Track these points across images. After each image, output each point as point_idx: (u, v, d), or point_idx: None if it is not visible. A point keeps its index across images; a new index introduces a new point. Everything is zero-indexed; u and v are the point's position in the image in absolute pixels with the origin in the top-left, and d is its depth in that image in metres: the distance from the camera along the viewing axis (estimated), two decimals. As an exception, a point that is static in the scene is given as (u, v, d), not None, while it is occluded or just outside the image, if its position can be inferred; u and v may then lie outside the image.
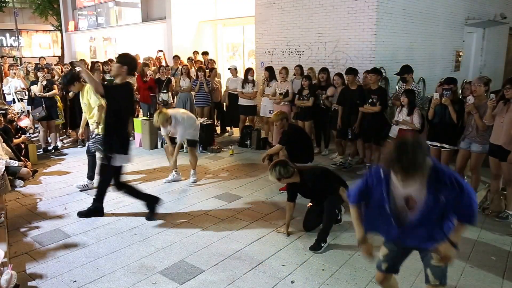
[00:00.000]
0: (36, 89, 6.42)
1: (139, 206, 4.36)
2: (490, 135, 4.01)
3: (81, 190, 4.84)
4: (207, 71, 8.06)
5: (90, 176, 4.93)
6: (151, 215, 4.04)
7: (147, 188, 4.94)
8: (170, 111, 5.03)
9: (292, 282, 2.94)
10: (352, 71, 5.62)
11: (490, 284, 2.91)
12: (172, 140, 5.15)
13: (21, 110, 6.73)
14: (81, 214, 4.07)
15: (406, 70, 5.20)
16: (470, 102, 4.09)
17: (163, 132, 5.25)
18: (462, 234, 2.03)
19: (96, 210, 4.09)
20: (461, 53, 10.15)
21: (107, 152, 3.76)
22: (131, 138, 7.56)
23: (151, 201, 4.07)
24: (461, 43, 10.07)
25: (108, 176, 3.91)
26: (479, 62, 11.43)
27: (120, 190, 3.96)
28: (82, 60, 9.34)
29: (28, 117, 6.55)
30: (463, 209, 1.93)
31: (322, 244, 3.42)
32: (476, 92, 4.11)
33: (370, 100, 5.26)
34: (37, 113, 6.41)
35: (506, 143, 3.79)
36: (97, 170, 4.18)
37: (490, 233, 3.70)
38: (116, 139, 3.73)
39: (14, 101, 6.85)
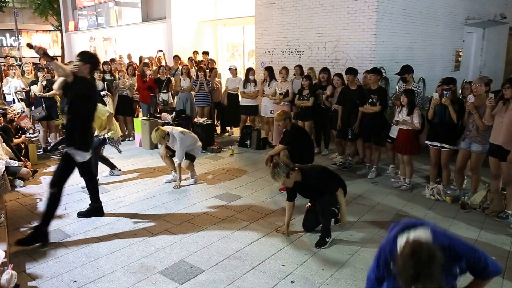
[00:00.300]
0: (36, 89, 6.42)
1: (139, 206, 4.37)
2: (490, 135, 4.01)
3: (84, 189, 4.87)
4: (207, 71, 8.06)
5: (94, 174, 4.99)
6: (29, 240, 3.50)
7: (147, 188, 4.95)
8: (168, 128, 4.99)
9: (292, 282, 2.94)
10: (351, 71, 5.62)
11: (490, 284, 2.87)
12: (173, 151, 5.13)
13: (21, 110, 6.73)
14: (81, 215, 4.07)
15: (406, 70, 5.19)
16: (470, 101, 4.09)
17: (161, 150, 5.27)
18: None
19: (95, 210, 4.08)
20: (461, 53, 10.15)
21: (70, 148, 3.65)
22: (130, 138, 7.63)
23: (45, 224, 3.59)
24: (461, 43, 10.07)
25: (89, 173, 3.91)
26: (479, 62, 11.43)
27: (52, 188, 3.63)
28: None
29: (29, 118, 6.54)
30: (482, 271, 1.87)
31: (327, 239, 3.48)
32: (476, 91, 4.10)
33: (370, 100, 5.26)
34: (37, 113, 6.41)
35: (505, 142, 3.79)
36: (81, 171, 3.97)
37: (490, 233, 3.70)
38: (79, 136, 3.62)
39: (14, 101, 6.85)
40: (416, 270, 1.57)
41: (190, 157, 5.10)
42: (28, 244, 3.42)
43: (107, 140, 5.17)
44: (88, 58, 3.63)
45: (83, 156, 3.67)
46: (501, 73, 12.63)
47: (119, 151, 5.53)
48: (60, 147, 4.86)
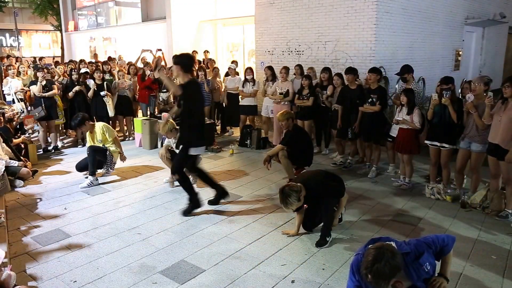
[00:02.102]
0: (35, 89, 6.42)
1: (139, 206, 4.37)
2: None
3: (89, 186, 4.93)
4: (208, 70, 8.06)
5: (92, 172, 5.02)
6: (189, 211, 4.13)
7: (147, 188, 4.95)
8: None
9: (293, 281, 2.93)
10: (351, 71, 5.62)
11: (490, 283, 2.91)
12: (172, 154, 5.12)
13: (21, 110, 6.72)
14: (185, 213, 4.10)
15: (406, 70, 5.19)
16: (469, 100, 4.10)
17: (165, 141, 5.28)
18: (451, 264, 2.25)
19: (194, 204, 4.14)
20: (460, 53, 10.15)
21: (185, 145, 4.02)
22: (130, 138, 7.62)
23: (195, 199, 4.16)
24: (461, 42, 10.08)
25: (181, 169, 4.13)
26: (479, 61, 11.44)
27: (194, 172, 4.33)
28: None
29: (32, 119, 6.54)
30: (441, 249, 2.19)
31: (328, 239, 3.48)
32: (475, 91, 4.11)
33: (370, 99, 5.25)
34: (37, 113, 6.40)
35: (503, 141, 3.79)
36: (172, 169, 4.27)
37: (490, 232, 3.70)
38: (191, 132, 3.99)
39: (13, 101, 6.85)
40: (370, 265, 1.87)
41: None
42: (187, 213, 4.07)
43: (107, 153, 5.21)
44: (177, 59, 3.90)
45: (197, 151, 4.10)
46: (501, 72, 12.65)
47: (108, 171, 5.32)
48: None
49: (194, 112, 3.97)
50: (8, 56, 11.13)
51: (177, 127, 4.97)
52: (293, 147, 4.74)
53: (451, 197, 4.44)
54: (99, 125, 5.32)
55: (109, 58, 9.50)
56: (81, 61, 9.50)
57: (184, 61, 3.87)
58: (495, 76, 11.76)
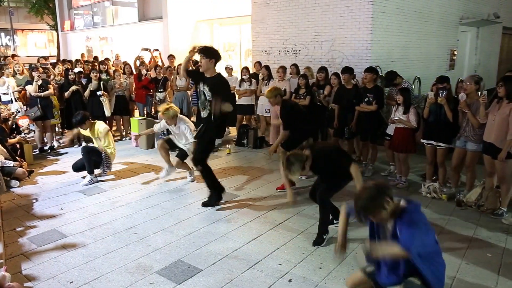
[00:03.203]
0: (31, 89, 6.38)
1: (136, 206, 4.36)
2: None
3: (90, 183, 4.97)
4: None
5: (90, 171, 5.04)
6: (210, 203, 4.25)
7: (144, 187, 4.94)
8: (180, 115, 5.12)
9: (290, 281, 2.94)
10: (347, 70, 5.64)
11: (485, 281, 2.94)
12: (170, 145, 5.12)
13: (17, 110, 6.68)
14: (205, 205, 4.26)
15: (392, 76, 5.29)
16: (462, 99, 4.14)
17: (161, 124, 5.24)
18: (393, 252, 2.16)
19: (220, 191, 4.28)
20: (455, 52, 10.22)
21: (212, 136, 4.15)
22: (127, 138, 7.60)
23: (217, 188, 4.30)
24: (456, 42, 10.15)
25: (205, 160, 4.20)
26: (474, 61, 11.52)
27: (196, 166, 4.29)
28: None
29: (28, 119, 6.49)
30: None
31: (324, 236, 3.49)
32: (467, 90, 4.16)
33: (366, 99, 5.27)
34: (32, 113, 6.37)
35: (497, 140, 3.83)
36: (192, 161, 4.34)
37: (485, 230, 3.73)
38: (221, 124, 4.11)
39: (12, 101, 6.80)
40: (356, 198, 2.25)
41: (184, 156, 5.07)
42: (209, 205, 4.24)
43: (102, 154, 5.16)
44: (211, 54, 3.91)
45: (218, 141, 4.34)
46: (495, 72, 12.75)
47: (104, 171, 5.28)
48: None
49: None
50: (6, 57, 11.08)
51: (179, 114, 5.01)
52: (293, 125, 4.67)
53: (447, 196, 4.47)
54: (98, 124, 5.25)
55: (106, 59, 9.46)
56: (77, 60, 9.46)
57: (218, 55, 3.95)
58: (490, 75, 11.87)
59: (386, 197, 2.17)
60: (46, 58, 11.14)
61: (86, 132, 5.28)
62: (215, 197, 4.31)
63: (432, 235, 2.26)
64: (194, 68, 8.11)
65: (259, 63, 7.81)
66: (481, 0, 10.81)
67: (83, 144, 5.39)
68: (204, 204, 4.29)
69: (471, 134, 4.18)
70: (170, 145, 5.14)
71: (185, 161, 5.08)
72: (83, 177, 5.11)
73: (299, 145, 4.77)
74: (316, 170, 3.57)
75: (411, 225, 2.13)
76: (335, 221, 3.70)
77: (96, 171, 5.21)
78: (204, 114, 4.09)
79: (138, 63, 8.44)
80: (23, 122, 6.34)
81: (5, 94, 6.85)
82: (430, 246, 2.21)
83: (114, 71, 7.70)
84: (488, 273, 3.03)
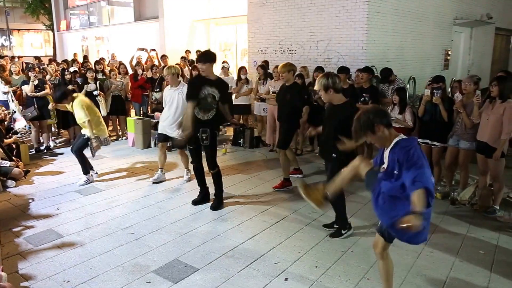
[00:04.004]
0: (27, 89, 6.36)
1: (132, 205, 4.37)
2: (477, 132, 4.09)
3: (86, 183, 4.97)
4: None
5: (85, 172, 5.04)
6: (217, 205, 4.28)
7: (140, 187, 4.95)
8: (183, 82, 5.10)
9: (286, 279, 2.96)
10: (343, 70, 5.67)
11: (478, 277, 2.98)
12: (164, 138, 5.12)
13: (13, 110, 6.65)
14: (216, 208, 4.25)
15: (387, 74, 5.32)
16: (458, 99, 4.18)
17: (160, 94, 5.17)
18: (422, 201, 2.00)
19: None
20: (449, 52, 10.30)
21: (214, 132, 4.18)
22: (123, 138, 7.59)
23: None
24: (450, 42, 10.22)
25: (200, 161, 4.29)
26: (467, 61, 11.62)
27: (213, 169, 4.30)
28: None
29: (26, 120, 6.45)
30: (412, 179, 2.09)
31: (344, 232, 3.58)
32: (466, 90, 4.19)
33: (362, 98, 5.31)
34: (29, 113, 6.35)
35: (491, 140, 3.88)
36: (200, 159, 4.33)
37: (479, 228, 3.78)
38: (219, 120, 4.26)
39: (12, 100, 6.77)
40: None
41: (181, 146, 5.04)
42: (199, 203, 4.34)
43: (89, 141, 4.94)
44: (210, 58, 4.02)
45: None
46: (488, 72, 12.86)
47: (93, 155, 5.09)
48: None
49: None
50: (3, 57, 11.00)
51: (180, 73, 4.99)
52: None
53: (441, 194, 4.51)
54: (77, 101, 4.91)
55: (102, 59, 9.45)
56: (73, 60, 9.43)
57: (215, 57, 4.10)
58: (483, 75, 11.95)
59: (379, 123, 2.25)
60: (37, 58, 11.03)
61: (69, 107, 5.02)
62: (220, 200, 4.34)
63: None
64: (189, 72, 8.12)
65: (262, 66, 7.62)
66: (474, 1, 10.91)
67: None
68: (213, 207, 4.27)
69: (463, 133, 4.23)
70: (164, 139, 5.10)
71: (186, 151, 5.05)
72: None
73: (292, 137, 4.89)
74: (329, 120, 3.49)
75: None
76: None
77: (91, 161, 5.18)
78: (209, 116, 4.04)
79: (134, 62, 8.44)
80: (20, 125, 6.32)
81: (5, 93, 6.78)
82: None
83: (110, 71, 7.69)
84: (481, 270, 3.07)
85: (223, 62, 8.56)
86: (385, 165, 2.30)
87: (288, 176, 4.86)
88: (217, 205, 4.27)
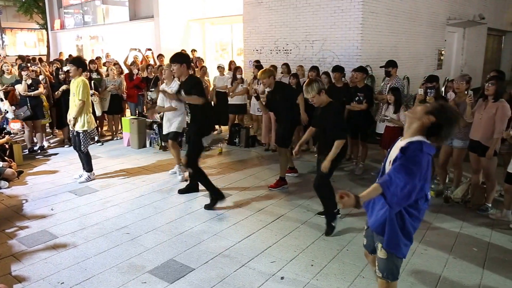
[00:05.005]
0: (20, 88, 6.30)
1: (128, 206, 4.35)
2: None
3: (87, 181, 5.05)
4: (196, 69, 8.04)
5: (89, 169, 5.13)
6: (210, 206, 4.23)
7: (135, 187, 4.93)
8: None
9: (282, 278, 2.97)
10: (338, 69, 5.70)
11: (471, 274, 3.01)
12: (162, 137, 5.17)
13: (5, 110, 6.58)
14: (209, 207, 4.21)
15: (391, 64, 5.38)
16: (451, 98, 4.22)
17: (165, 86, 5.22)
18: (372, 195, 1.92)
19: (218, 195, 4.23)
20: (443, 52, 10.39)
21: (198, 134, 4.16)
22: (118, 137, 7.55)
23: (216, 192, 4.26)
24: (443, 42, 10.32)
25: (196, 162, 4.21)
26: (460, 60, 11.74)
27: (187, 167, 4.30)
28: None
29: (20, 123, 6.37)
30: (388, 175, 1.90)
31: (333, 224, 3.63)
32: (459, 89, 4.23)
33: (357, 98, 5.34)
34: (22, 113, 6.29)
35: (484, 138, 3.92)
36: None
37: (472, 226, 3.82)
38: (204, 122, 4.21)
39: (1, 100, 6.68)
40: None
41: (175, 136, 5.12)
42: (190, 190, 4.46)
43: (81, 135, 4.88)
44: (181, 59, 4.08)
45: (208, 140, 4.26)
46: (480, 71, 13.01)
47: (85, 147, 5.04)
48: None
49: (205, 101, 4.18)
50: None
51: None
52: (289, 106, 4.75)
53: (434, 192, 4.55)
54: (82, 79, 4.87)
55: (97, 58, 9.38)
56: (68, 60, 9.35)
57: (187, 59, 4.13)
58: (475, 75, 12.11)
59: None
60: (20, 57, 10.82)
61: (71, 85, 4.94)
62: (216, 199, 4.24)
63: None
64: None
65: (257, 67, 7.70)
66: (467, 2, 11.03)
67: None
68: (207, 207, 4.23)
69: (457, 132, 4.27)
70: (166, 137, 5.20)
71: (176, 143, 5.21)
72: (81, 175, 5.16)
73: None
74: (319, 118, 3.64)
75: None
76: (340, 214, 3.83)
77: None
78: (189, 119, 4.22)
79: (129, 62, 8.40)
80: (14, 126, 6.26)
81: None
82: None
83: (108, 68, 7.65)
84: (474, 267, 3.10)
85: (218, 66, 8.50)
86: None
87: (284, 175, 4.87)
88: (209, 205, 4.23)
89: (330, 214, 3.67)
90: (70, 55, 13.04)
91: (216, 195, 4.25)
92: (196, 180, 4.42)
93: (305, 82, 3.55)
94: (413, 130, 2.04)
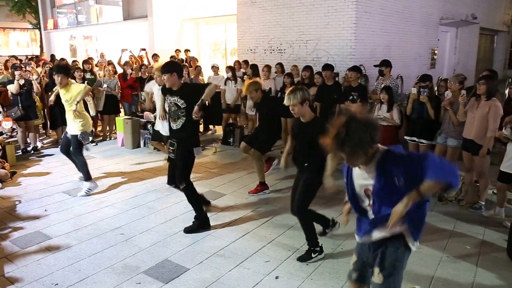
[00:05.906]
0: (12, 88, 6.24)
1: (122, 206, 4.33)
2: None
3: (87, 194, 4.62)
4: (190, 69, 8.02)
5: (87, 178, 4.67)
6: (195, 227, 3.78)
7: (129, 187, 4.90)
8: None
9: (277, 277, 2.98)
10: (328, 67, 5.75)
11: (464, 272, 3.04)
12: (158, 137, 5.11)
13: (-3, 110, 6.52)
14: (189, 231, 3.72)
15: (385, 63, 5.42)
16: (448, 97, 4.27)
17: (153, 85, 5.12)
18: (433, 189, 1.81)
19: (203, 222, 3.78)
20: (436, 51, 10.48)
21: (188, 146, 3.81)
22: (113, 138, 7.51)
23: (201, 216, 3.82)
24: (436, 41, 10.40)
25: (188, 176, 3.78)
26: (453, 60, 11.85)
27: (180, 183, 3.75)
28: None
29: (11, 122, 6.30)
30: (436, 171, 1.77)
31: (313, 255, 3.18)
32: (452, 89, 4.28)
33: (351, 97, 5.37)
34: (13, 113, 6.24)
35: (477, 137, 3.96)
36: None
37: (465, 224, 3.86)
38: (194, 132, 3.93)
39: None
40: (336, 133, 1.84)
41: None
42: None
43: (78, 136, 4.61)
44: (171, 68, 3.79)
45: (198, 151, 3.92)
46: (473, 71, 13.14)
47: (87, 149, 4.91)
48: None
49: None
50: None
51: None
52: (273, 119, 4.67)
53: (428, 191, 4.59)
54: (80, 87, 4.65)
55: (90, 58, 9.33)
56: (62, 60, 9.27)
57: (179, 68, 3.85)
58: (468, 74, 12.20)
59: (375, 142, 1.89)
60: (16, 58, 10.68)
61: (61, 92, 4.62)
62: (199, 225, 3.77)
63: None
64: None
65: (246, 62, 7.83)
66: (460, 1, 11.13)
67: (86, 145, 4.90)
68: (186, 230, 3.72)
69: (451, 130, 4.32)
70: (158, 138, 5.09)
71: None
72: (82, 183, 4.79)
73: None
74: (300, 134, 3.23)
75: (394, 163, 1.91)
76: (327, 231, 3.47)
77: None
78: (177, 125, 3.75)
79: (123, 61, 8.36)
80: (6, 125, 6.19)
81: None
82: None
83: (103, 68, 7.61)
84: (467, 265, 3.14)
85: (212, 66, 8.47)
86: (370, 187, 1.94)
87: (264, 180, 4.70)
88: (192, 228, 3.73)
89: (312, 241, 3.22)
90: (62, 58, 12.91)
91: (200, 219, 3.77)
92: (191, 198, 3.83)
93: (289, 89, 3.16)
94: (363, 159, 1.90)
